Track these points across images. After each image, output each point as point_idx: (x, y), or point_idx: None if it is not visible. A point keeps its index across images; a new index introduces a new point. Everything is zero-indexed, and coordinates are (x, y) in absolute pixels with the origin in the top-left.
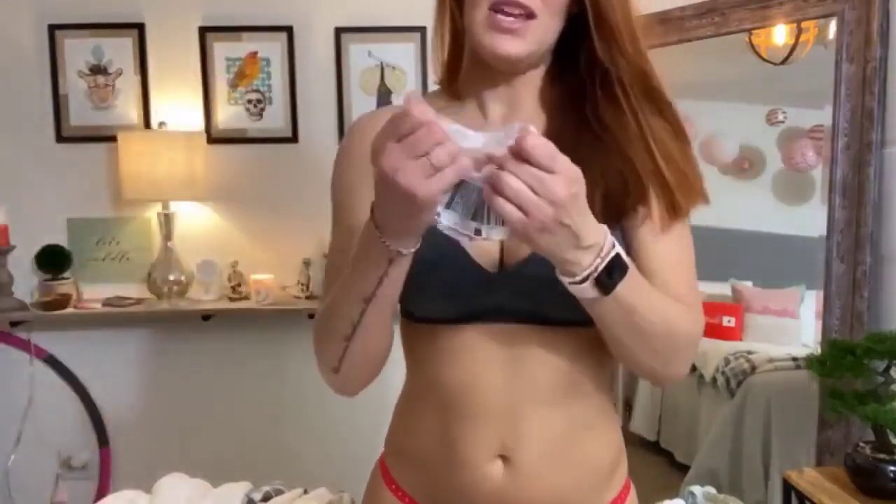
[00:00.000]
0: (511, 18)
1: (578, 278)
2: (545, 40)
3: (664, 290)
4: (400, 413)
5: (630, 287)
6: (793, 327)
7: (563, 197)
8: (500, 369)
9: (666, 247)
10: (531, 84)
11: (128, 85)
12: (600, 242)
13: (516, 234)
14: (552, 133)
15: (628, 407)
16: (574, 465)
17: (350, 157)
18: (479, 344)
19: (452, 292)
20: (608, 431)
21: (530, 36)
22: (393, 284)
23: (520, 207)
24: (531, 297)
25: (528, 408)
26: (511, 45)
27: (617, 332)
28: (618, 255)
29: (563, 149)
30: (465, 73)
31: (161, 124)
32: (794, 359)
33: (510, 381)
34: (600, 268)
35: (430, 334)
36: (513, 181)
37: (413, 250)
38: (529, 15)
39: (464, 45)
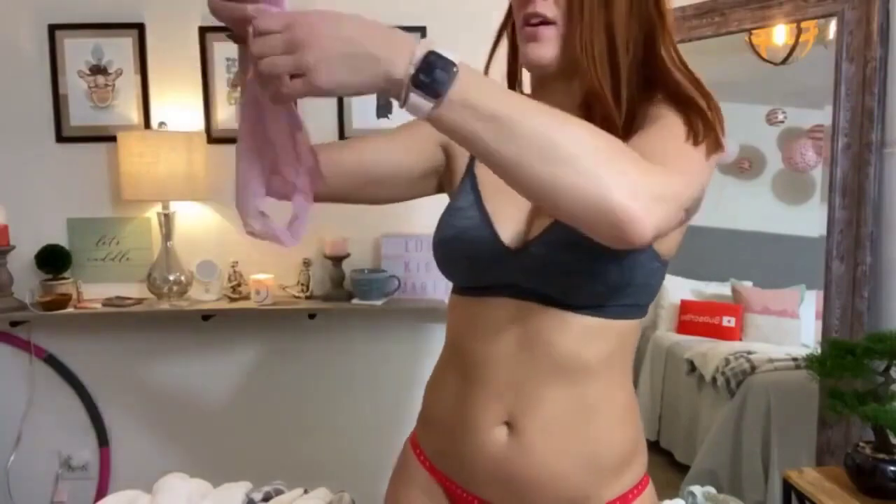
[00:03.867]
0: (532, 28)
1: (403, 93)
2: (569, 44)
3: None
4: (429, 382)
5: (475, 88)
6: (793, 327)
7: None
8: (512, 343)
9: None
10: (575, 91)
11: (128, 85)
12: (406, 51)
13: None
14: None
15: None
16: (577, 445)
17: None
18: (496, 316)
19: (472, 263)
20: (621, 424)
21: (551, 40)
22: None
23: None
24: (535, 275)
25: (534, 383)
26: (536, 51)
27: (496, 151)
28: (434, 54)
29: None
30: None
31: (161, 124)
32: (794, 359)
33: (519, 355)
34: (411, 71)
35: (461, 304)
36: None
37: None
38: (548, 21)
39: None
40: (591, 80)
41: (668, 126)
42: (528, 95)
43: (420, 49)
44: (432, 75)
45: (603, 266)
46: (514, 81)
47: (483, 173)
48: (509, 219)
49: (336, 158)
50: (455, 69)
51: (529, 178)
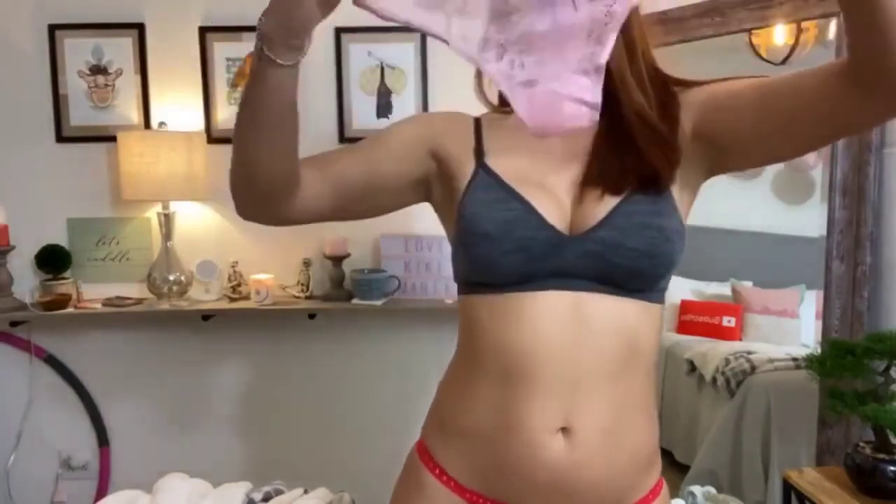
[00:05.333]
0: None
1: None
2: None
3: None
4: (450, 389)
5: None
6: (793, 327)
7: None
8: (567, 337)
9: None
10: None
11: (128, 85)
12: None
13: None
14: (601, 131)
15: None
16: (626, 444)
17: (433, 121)
18: (546, 310)
19: (527, 248)
20: (651, 419)
21: None
22: (271, 92)
23: None
24: (599, 260)
25: (592, 378)
26: None
27: None
28: None
29: (608, 144)
30: None
31: (161, 124)
32: (794, 359)
33: (576, 349)
34: None
35: (498, 301)
36: None
37: (288, 63)
38: None
39: None
40: (625, 91)
41: (721, 80)
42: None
43: None
44: None
45: (669, 245)
46: None
47: (503, 167)
48: (551, 207)
49: (325, 178)
50: None
51: None
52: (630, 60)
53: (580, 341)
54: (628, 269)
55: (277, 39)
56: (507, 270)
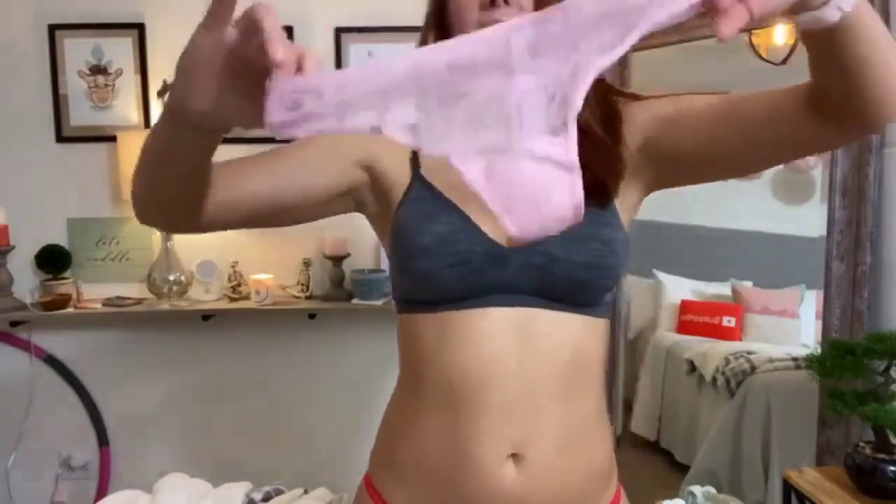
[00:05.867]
0: (504, 9)
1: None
2: None
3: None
4: (393, 422)
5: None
6: (793, 327)
7: None
8: (513, 356)
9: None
10: None
11: (128, 85)
12: None
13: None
14: None
15: (628, 407)
16: (580, 463)
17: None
18: (491, 328)
19: (467, 261)
20: (604, 431)
21: None
22: (176, 147)
23: None
24: (542, 272)
25: (542, 399)
26: None
27: (861, 48)
28: None
29: None
30: None
31: None
32: (794, 359)
33: (524, 369)
34: None
35: (439, 322)
36: None
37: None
38: (521, 8)
39: None
40: None
41: (674, 96)
42: None
43: None
44: None
45: (614, 257)
46: None
47: (440, 178)
48: (488, 220)
49: (234, 193)
50: None
51: (887, 67)
52: None
53: (527, 360)
54: (572, 282)
55: (171, 111)
56: (447, 284)
